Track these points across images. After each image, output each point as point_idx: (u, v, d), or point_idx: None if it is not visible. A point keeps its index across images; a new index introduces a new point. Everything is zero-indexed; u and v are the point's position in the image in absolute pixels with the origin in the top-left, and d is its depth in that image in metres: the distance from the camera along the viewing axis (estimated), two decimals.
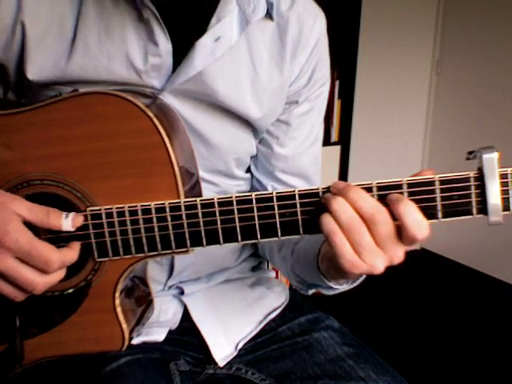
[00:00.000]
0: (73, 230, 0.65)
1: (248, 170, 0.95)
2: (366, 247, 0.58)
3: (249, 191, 0.96)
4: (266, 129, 0.88)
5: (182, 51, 0.76)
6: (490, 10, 2.97)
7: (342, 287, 0.74)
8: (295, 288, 0.90)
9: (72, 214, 0.65)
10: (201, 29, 0.76)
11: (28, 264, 0.62)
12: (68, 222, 0.64)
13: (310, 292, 0.84)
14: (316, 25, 0.86)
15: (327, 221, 0.59)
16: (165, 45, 0.74)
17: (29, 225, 0.63)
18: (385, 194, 0.61)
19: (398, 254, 0.60)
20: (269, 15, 0.81)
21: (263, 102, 0.83)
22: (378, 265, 0.59)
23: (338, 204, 0.58)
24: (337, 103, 2.68)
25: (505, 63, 2.93)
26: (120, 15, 0.73)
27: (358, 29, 2.68)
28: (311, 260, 0.74)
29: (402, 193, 0.60)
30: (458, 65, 3.22)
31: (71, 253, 0.65)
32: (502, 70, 2.95)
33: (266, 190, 0.94)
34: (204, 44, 0.76)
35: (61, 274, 0.65)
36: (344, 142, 2.74)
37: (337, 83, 2.65)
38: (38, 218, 0.63)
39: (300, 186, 0.93)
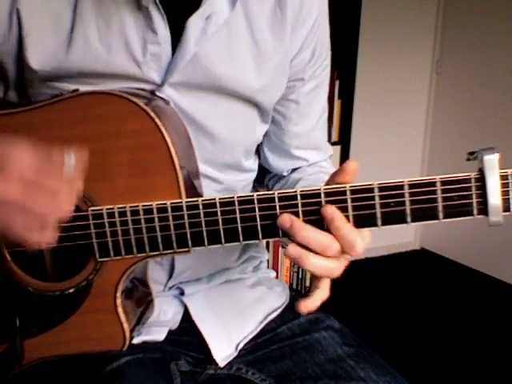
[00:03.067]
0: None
1: (255, 161, 0.97)
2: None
3: (259, 180, 1.00)
4: (271, 107, 0.88)
5: (178, 38, 0.75)
6: (490, 10, 2.97)
7: None
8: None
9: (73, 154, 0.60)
10: (195, 11, 0.76)
11: (36, 198, 0.58)
12: (71, 160, 0.59)
13: None
14: None
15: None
16: (163, 33, 0.74)
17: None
18: (387, 194, 0.61)
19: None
20: None
21: (266, 74, 0.83)
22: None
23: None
24: (337, 103, 2.68)
25: (505, 63, 2.93)
26: (117, 5, 0.73)
27: (358, 29, 2.68)
28: None
29: (403, 194, 0.61)
30: (458, 65, 3.23)
31: (77, 182, 0.61)
32: (502, 70, 2.95)
33: (282, 176, 0.99)
34: (194, 23, 0.75)
35: (72, 200, 0.61)
36: (344, 141, 2.74)
37: (337, 83, 2.65)
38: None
39: (313, 157, 0.99)
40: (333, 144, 2.71)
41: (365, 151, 3.10)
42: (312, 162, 0.99)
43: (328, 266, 0.64)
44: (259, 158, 1.00)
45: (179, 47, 0.75)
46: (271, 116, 0.93)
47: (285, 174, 0.99)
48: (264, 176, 1.04)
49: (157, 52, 0.75)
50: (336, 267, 0.64)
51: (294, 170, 0.99)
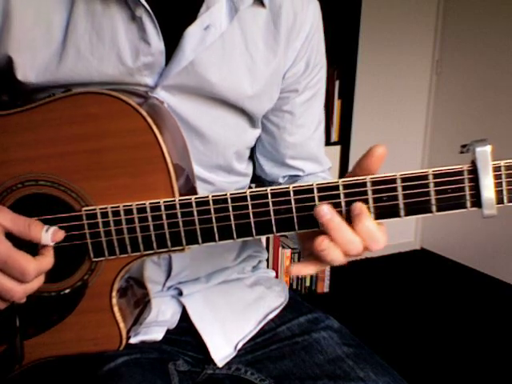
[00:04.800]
0: (51, 244, 0.64)
1: (248, 165, 0.97)
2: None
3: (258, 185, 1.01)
4: (261, 115, 0.89)
5: (173, 45, 0.76)
6: (490, 11, 2.97)
7: None
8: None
9: (52, 229, 0.64)
10: (191, 20, 0.76)
11: (5, 273, 0.62)
12: (47, 236, 0.64)
13: None
14: (310, 10, 0.87)
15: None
16: (157, 44, 0.74)
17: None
18: (379, 188, 0.61)
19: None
20: (260, 2, 0.81)
21: (259, 83, 0.84)
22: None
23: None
24: (337, 103, 2.68)
25: (505, 63, 2.93)
26: (110, 17, 0.73)
27: (358, 29, 2.68)
28: None
29: (395, 187, 0.61)
30: (458, 65, 3.23)
31: (47, 259, 0.65)
32: (502, 70, 2.95)
33: (276, 181, 0.99)
34: (193, 33, 0.76)
35: (40, 280, 0.65)
36: (344, 142, 2.74)
37: (337, 83, 2.65)
38: (19, 230, 0.63)
39: (310, 168, 0.99)
40: (333, 144, 2.71)
41: (365, 151, 3.10)
42: (309, 173, 0.99)
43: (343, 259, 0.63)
44: (254, 166, 1.00)
45: (175, 55, 0.76)
46: (266, 126, 0.94)
47: (281, 180, 0.99)
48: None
49: (149, 62, 0.75)
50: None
51: (291, 178, 1.00)
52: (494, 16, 2.95)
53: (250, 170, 0.98)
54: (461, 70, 3.21)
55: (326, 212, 0.61)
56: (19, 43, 0.73)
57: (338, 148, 2.73)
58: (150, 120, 0.65)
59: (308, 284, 2.66)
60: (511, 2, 2.87)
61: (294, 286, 2.61)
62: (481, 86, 3.08)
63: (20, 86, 0.75)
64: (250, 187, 1.00)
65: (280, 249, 2.49)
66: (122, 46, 0.74)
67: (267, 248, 2.46)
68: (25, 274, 0.62)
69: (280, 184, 0.99)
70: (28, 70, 0.74)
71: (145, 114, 0.65)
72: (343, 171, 2.74)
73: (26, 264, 0.62)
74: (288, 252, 2.52)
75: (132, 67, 0.75)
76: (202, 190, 0.84)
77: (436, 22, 3.32)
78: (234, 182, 0.92)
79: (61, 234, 0.65)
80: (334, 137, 2.72)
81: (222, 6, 0.77)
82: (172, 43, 0.76)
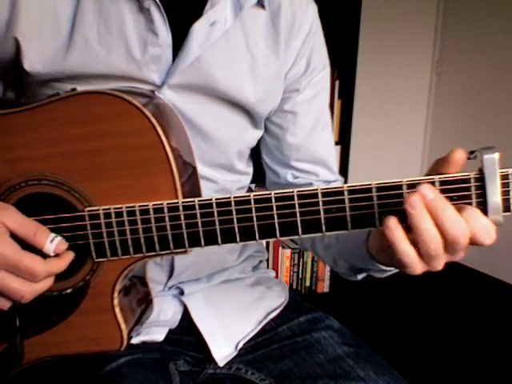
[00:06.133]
0: (52, 254, 0.64)
1: (248, 165, 0.97)
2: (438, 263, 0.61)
3: (264, 185, 1.00)
4: (263, 117, 0.89)
5: (180, 41, 0.76)
6: (490, 11, 2.97)
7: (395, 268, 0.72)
8: (342, 274, 0.89)
9: (58, 240, 0.65)
10: (196, 16, 0.77)
11: (15, 274, 0.62)
12: (51, 246, 0.64)
13: (360, 277, 0.85)
14: (309, 10, 0.88)
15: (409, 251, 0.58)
16: (165, 35, 0.75)
17: None
18: (385, 194, 0.60)
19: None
20: (261, 4, 0.82)
21: (261, 87, 0.84)
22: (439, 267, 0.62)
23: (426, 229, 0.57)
24: (337, 103, 2.67)
25: (505, 63, 2.93)
26: (118, 8, 0.73)
27: (358, 29, 2.68)
28: (361, 246, 0.73)
29: (401, 194, 0.60)
30: (458, 65, 3.22)
31: (60, 263, 0.65)
32: (502, 70, 2.95)
33: (285, 179, 0.97)
34: (199, 29, 0.76)
35: (49, 282, 0.66)
36: (344, 142, 2.74)
37: (337, 83, 2.65)
38: (25, 234, 0.63)
39: (318, 172, 0.96)
40: None
41: (365, 151, 3.10)
42: (323, 179, 0.97)
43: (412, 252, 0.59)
44: (263, 173, 1.00)
45: (182, 50, 0.76)
46: (270, 128, 0.94)
47: (290, 179, 0.97)
48: None
49: (157, 54, 0.75)
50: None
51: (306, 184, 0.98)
52: (494, 16, 2.94)
53: (250, 169, 0.98)
54: (461, 70, 3.21)
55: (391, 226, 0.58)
56: (26, 34, 0.73)
57: (337, 148, 2.73)
58: (154, 121, 0.64)
59: (308, 284, 2.66)
60: (511, 2, 2.86)
61: (294, 286, 2.60)
62: (481, 86, 3.08)
63: (27, 77, 0.75)
64: (249, 188, 1.00)
65: (280, 249, 2.49)
66: (130, 36, 0.74)
67: (267, 248, 2.45)
68: (34, 275, 0.63)
69: (291, 185, 0.97)
70: (35, 61, 0.74)
71: (149, 114, 0.64)
72: (343, 171, 2.74)
73: (35, 266, 0.62)
74: (288, 252, 2.52)
75: (140, 59, 0.75)
76: (205, 189, 0.84)
77: (436, 22, 3.31)
78: (236, 180, 0.92)
79: (64, 247, 0.65)
80: (334, 137, 2.71)
81: (227, 4, 0.78)
82: (178, 39, 0.76)
